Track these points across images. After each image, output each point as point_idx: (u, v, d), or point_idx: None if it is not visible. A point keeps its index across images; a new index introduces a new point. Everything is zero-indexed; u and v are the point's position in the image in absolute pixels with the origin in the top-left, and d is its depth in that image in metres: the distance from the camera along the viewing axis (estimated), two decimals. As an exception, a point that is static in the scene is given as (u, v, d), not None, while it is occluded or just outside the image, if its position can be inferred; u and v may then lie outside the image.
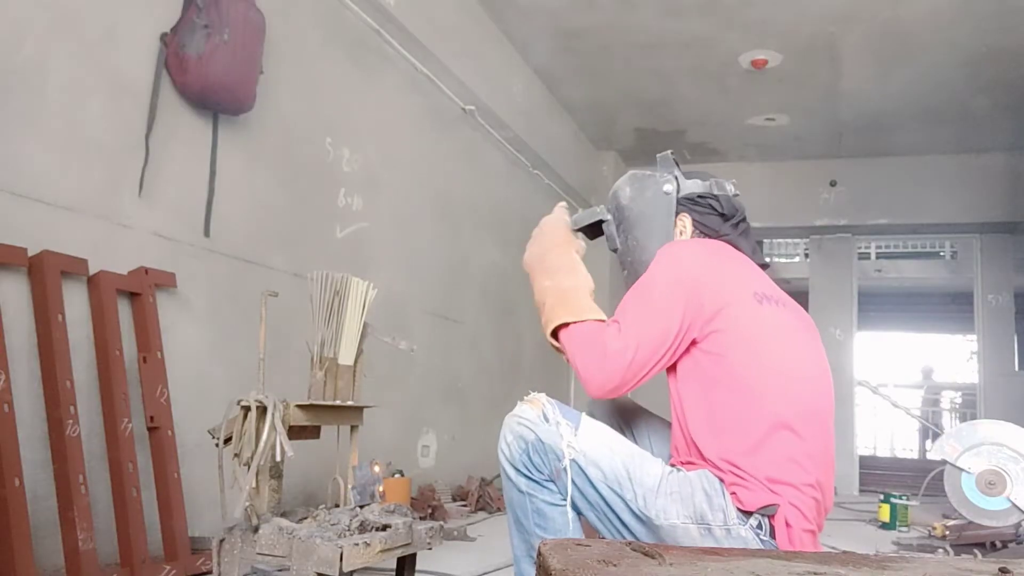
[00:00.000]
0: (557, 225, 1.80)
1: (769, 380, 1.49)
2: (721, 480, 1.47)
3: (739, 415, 1.48)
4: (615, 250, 1.82)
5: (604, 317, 1.61)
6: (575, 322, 1.59)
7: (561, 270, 1.69)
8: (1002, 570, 1.01)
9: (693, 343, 1.54)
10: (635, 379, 1.52)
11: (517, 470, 1.58)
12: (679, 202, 1.75)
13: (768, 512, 1.44)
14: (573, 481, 1.52)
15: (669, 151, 1.83)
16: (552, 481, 1.56)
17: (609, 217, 1.83)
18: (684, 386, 1.57)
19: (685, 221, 1.75)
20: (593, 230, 1.87)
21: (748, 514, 1.45)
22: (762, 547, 1.43)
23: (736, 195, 1.79)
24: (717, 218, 1.74)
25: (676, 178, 1.78)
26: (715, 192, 1.76)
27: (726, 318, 1.51)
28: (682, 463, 1.55)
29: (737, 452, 1.47)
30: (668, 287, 1.54)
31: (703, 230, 1.74)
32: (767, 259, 1.82)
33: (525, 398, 1.63)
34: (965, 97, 5.49)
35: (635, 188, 1.79)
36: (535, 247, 1.77)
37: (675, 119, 6.19)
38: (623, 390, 1.54)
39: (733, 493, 1.46)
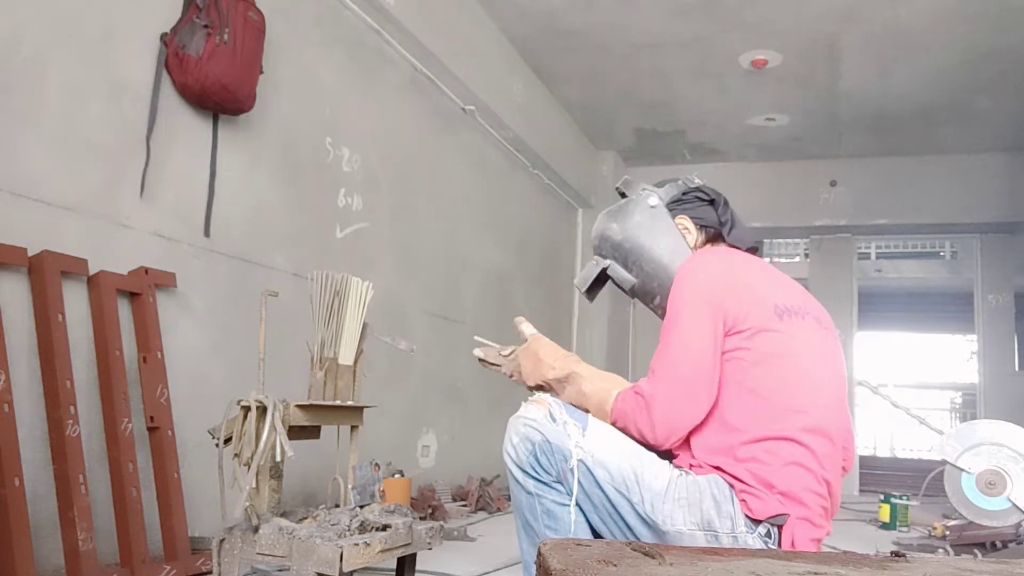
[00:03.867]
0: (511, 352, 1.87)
1: (785, 397, 1.48)
2: (731, 486, 1.45)
3: (751, 422, 1.47)
4: (632, 290, 1.76)
5: (612, 379, 1.65)
6: (611, 407, 1.59)
7: (555, 373, 1.70)
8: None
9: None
10: (693, 405, 1.50)
11: (524, 472, 1.55)
12: (669, 208, 1.74)
13: (778, 522, 1.42)
14: (580, 482, 1.50)
15: (626, 176, 1.84)
16: (560, 482, 1.53)
17: (608, 262, 1.77)
18: None
19: (685, 222, 1.73)
20: (599, 284, 1.83)
21: (757, 522, 1.43)
22: None
23: (704, 183, 1.81)
24: (708, 207, 1.74)
25: (652, 191, 1.77)
26: (691, 186, 1.77)
27: (748, 335, 1.50)
28: (689, 465, 1.53)
29: (747, 456, 1.45)
30: (692, 310, 1.53)
31: (702, 223, 1.74)
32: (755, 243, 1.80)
33: (530, 399, 1.61)
34: (965, 97, 5.48)
35: (621, 220, 1.76)
36: (525, 369, 1.79)
37: (675, 119, 6.19)
38: (690, 421, 1.51)
39: (743, 500, 1.43)
